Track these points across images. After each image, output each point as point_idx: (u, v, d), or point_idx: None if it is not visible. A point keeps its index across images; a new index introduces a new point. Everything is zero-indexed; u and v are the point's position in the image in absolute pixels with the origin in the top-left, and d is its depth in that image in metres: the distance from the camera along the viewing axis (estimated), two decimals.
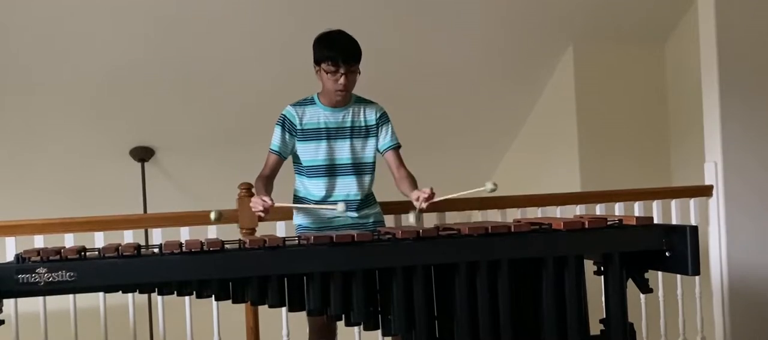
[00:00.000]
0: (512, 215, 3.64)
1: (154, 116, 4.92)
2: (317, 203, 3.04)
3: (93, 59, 4.46)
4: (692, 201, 3.99)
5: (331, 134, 3.03)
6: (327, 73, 2.93)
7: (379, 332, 2.58)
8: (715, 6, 4.04)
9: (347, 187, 3.05)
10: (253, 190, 3.05)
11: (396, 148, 3.13)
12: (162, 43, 4.48)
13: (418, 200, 2.84)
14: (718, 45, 4.04)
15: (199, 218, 3.33)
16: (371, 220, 3.13)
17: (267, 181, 3.00)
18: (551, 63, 5.38)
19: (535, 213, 3.67)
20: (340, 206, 2.85)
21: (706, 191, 4.07)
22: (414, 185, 3.01)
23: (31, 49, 4.31)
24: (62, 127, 4.83)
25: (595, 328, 2.70)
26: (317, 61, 2.96)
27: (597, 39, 5.19)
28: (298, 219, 3.13)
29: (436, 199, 2.81)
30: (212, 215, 2.79)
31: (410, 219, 2.83)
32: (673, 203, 3.95)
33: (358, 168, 3.06)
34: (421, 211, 2.87)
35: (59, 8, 4.11)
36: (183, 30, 4.43)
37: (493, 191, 2.82)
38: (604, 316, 2.69)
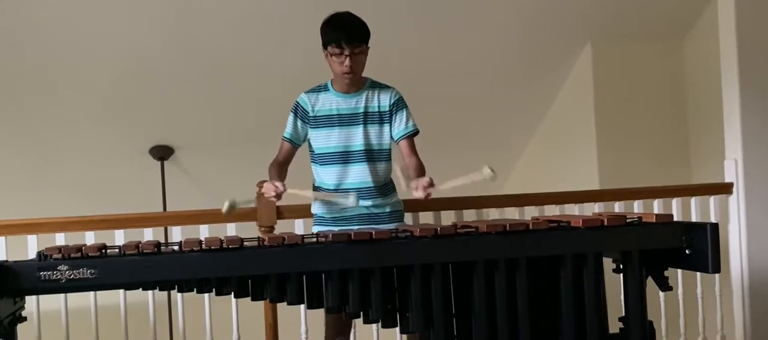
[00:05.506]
0: (530, 212, 3.63)
1: (173, 115, 4.95)
2: (330, 191, 2.98)
3: (112, 58, 4.49)
4: (712, 198, 3.95)
5: (343, 121, 2.95)
6: (332, 56, 2.84)
7: (397, 329, 2.58)
8: (735, 1, 4.00)
9: (360, 175, 2.96)
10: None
11: (411, 135, 2.98)
12: (181, 42, 4.50)
13: (417, 189, 2.71)
14: (738, 40, 4.00)
15: (218, 216, 3.32)
16: (387, 210, 3.04)
17: (279, 167, 2.98)
18: (569, 60, 5.35)
19: (554, 211, 3.65)
20: (351, 199, 2.79)
21: (726, 189, 4.04)
22: (419, 173, 2.87)
23: (49, 49, 4.34)
24: (82, 127, 4.87)
25: (615, 326, 2.68)
26: (324, 45, 2.88)
27: (615, 36, 5.16)
28: (315, 208, 3.10)
29: (434, 188, 2.68)
30: (224, 208, 2.72)
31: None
32: (693, 200, 3.91)
33: (371, 155, 2.97)
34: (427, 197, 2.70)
35: (77, 7, 4.14)
36: (202, 29, 4.45)
37: (492, 178, 2.61)
38: (624, 314, 2.67)
